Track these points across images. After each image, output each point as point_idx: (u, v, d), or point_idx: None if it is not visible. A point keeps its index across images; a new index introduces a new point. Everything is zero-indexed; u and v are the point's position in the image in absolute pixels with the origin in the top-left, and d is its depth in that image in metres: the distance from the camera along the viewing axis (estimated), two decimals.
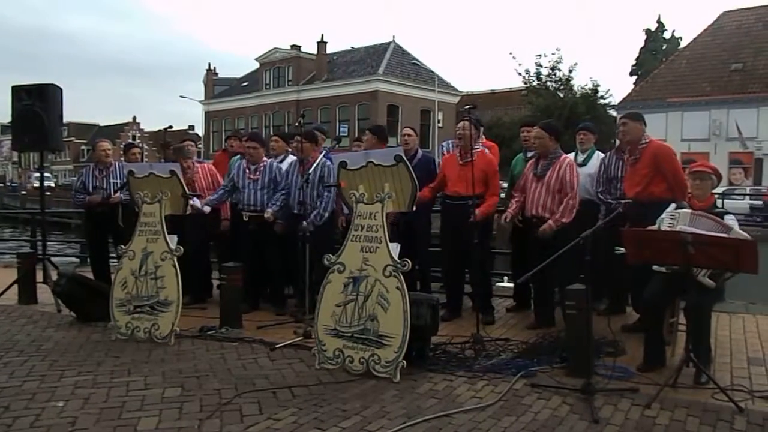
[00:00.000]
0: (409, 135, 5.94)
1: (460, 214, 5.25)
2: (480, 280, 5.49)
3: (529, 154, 5.79)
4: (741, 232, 3.91)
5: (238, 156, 6.68)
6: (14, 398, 3.71)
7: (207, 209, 6.03)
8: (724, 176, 27.81)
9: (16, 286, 6.58)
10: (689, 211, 4.10)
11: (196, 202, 5.93)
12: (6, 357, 4.57)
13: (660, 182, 4.85)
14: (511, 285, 6.39)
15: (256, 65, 45.00)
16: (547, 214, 5.11)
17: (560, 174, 5.09)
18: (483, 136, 5.98)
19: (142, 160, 9.23)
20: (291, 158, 6.28)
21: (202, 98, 48.84)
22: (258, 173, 5.97)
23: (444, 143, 6.75)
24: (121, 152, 7.82)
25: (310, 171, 5.56)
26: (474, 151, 5.35)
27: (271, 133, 28.81)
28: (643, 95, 31.06)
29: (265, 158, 6.11)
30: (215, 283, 6.30)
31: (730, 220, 4.01)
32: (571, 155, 5.56)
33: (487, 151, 5.71)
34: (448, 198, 5.55)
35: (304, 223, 5.41)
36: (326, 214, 5.68)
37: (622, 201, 5.17)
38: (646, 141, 5.01)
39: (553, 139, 5.22)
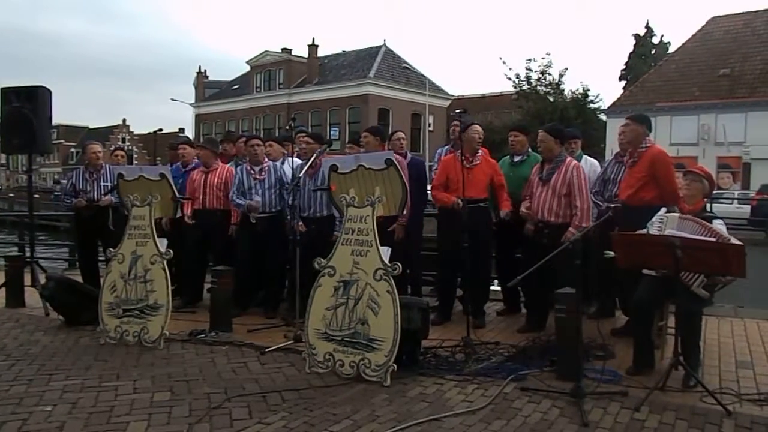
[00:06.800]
0: (402, 139, 6.04)
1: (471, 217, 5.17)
2: (479, 284, 5.50)
3: (516, 159, 5.82)
4: (728, 236, 3.94)
5: (231, 161, 6.63)
6: (1, 403, 3.68)
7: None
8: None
9: (3, 290, 6.54)
10: (677, 214, 4.15)
11: (257, 200, 5.81)
12: None
13: (652, 188, 4.80)
14: (500, 289, 6.39)
15: (247, 68, 44.95)
16: (554, 218, 5.10)
17: (567, 177, 5.07)
18: None
19: (131, 163, 9.18)
20: (290, 161, 6.24)
21: (193, 101, 48.72)
22: (264, 173, 5.91)
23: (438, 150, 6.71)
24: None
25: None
26: (478, 154, 5.48)
27: (262, 136, 28.74)
28: (633, 100, 31.24)
29: (266, 159, 6.07)
30: (206, 286, 6.26)
31: (718, 225, 4.04)
32: None
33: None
34: None
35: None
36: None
37: (612, 205, 5.21)
38: (646, 145, 4.94)
39: (558, 142, 5.22)
